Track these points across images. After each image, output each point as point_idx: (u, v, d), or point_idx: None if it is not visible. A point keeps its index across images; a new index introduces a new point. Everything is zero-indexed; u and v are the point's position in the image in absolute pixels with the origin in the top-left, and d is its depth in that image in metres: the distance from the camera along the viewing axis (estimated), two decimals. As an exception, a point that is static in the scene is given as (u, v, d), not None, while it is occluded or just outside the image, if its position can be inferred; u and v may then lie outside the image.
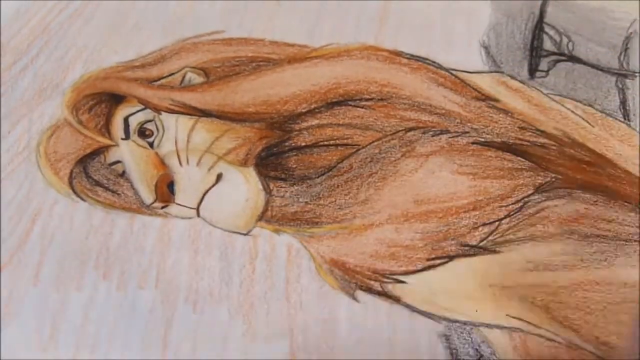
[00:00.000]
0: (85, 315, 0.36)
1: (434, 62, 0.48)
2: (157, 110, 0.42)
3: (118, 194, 0.40)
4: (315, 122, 0.43)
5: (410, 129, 0.44)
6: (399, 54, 0.48)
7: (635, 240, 0.41)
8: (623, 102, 0.47)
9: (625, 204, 0.42)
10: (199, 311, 0.36)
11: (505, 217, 0.41)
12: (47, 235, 0.38)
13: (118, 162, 0.41)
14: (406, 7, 0.51)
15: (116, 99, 0.43)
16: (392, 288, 0.38)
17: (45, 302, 0.36)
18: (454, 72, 0.47)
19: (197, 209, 0.40)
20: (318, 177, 0.41)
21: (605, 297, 0.39)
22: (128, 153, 0.41)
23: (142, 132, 0.42)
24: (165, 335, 0.35)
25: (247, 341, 0.35)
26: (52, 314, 0.36)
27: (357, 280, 0.38)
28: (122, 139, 0.42)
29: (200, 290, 0.37)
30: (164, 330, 0.35)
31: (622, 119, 0.46)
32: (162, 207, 0.40)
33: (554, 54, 0.49)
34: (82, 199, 0.40)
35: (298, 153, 0.42)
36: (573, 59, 0.49)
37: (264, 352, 0.35)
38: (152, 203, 0.40)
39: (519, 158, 0.43)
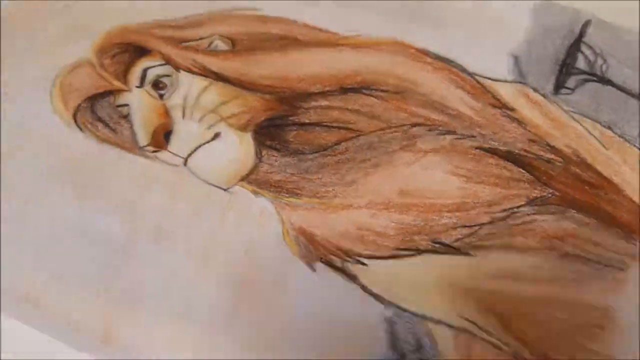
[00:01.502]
0: (51, 226, 0.40)
1: (459, 64, 0.48)
2: (177, 68, 0.46)
3: (116, 132, 0.44)
4: (325, 103, 0.45)
5: (417, 125, 0.45)
6: (425, 52, 0.49)
7: (616, 267, 0.40)
8: (646, 130, 0.45)
9: (617, 231, 0.41)
10: (161, 245, 0.40)
11: (487, 223, 0.41)
12: (35, 152, 0.43)
13: (125, 105, 0.45)
14: (441, 10, 0.51)
15: (141, 52, 0.47)
16: (352, 266, 0.39)
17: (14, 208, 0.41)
18: (476, 77, 0.48)
19: (186, 159, 0.43)
20: (311, 154, 0.43)
21: (569, 318, 0.38)
22: (137, 99, 0.44)
23: (157, 84, 0.45)
24: (121, 265, 0.39)
25: (197, 281, 0.38)
26: (17, 218, 0.41)
27: (319, 253, 0.40)
28: (136, 86, 0.45)
29: (164, 228, 0.40)
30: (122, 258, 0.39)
31: (640, 147, 0.45)
32: (153, 152, 0.43)
33: (584, 73, 0.48)
34: (80, 129, 0.44)
35: (299, 129, 0.44)
36: (603, 80, 0.47)
37: (209, 294, 0.38)
38: (146, 146, 0.43)
39: (519, 169, 0.43)
